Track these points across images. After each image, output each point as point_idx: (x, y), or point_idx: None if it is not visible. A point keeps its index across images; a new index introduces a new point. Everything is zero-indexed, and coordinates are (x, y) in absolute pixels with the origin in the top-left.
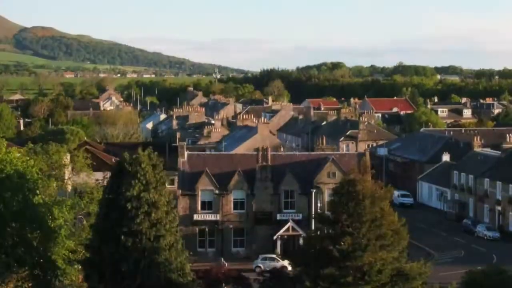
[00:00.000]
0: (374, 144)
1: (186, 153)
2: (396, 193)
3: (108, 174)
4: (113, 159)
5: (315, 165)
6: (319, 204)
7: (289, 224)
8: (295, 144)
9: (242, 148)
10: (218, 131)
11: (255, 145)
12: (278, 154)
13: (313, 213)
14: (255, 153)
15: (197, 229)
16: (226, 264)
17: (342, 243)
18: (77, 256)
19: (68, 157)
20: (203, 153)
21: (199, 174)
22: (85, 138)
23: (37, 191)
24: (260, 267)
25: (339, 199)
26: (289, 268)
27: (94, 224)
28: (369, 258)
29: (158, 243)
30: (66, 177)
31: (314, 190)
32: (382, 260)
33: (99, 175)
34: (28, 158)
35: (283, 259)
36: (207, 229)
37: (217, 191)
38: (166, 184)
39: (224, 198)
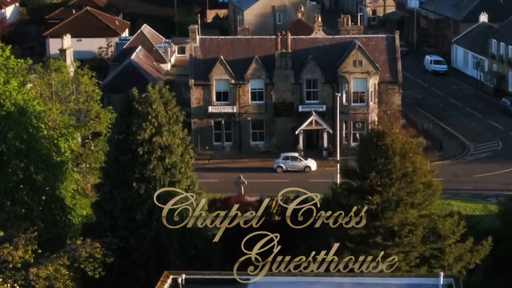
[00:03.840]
0: None
1: (198, 37)
2: (428, 58)
3: (112, 40)
4: (116, 21)
5: (340, 50)
6: (344, 95)
7: (312, 117)
8: None
9: (259, 5)
10: None
11: (272, 2)
12: (299, 38)
13: (338, 106)
14: (274, 37)
15: (212, 121)
16: (246, 182)
17: (371, 203)
18: (87, 182)
19: (72, 71)
20: (217, 37)
21: (213, 61)
22: None
23: (41, 126)
24: (281, 167)
25: (367, 154)
26: (313, 167)
27: (103, 167)
28: (399, 218)
29: None
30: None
31: (339, 94)
32: (414, 219)
33: (102, 42)
34: (28, 88)
35: (305, 158)
36: (223, 122)
37: (233, 81)
38: (181, 119)
39: (241, 88)
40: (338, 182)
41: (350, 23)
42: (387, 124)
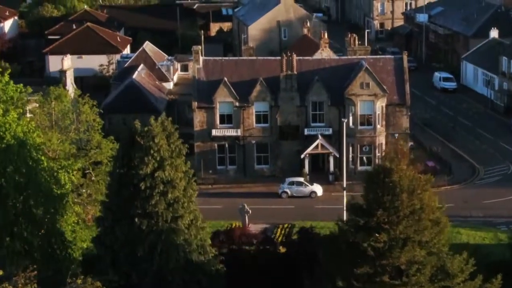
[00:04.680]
0: (413, 3)
1: (201, 58)
2: (437, 75)
3: (114, 57)
4: (117, 37)
5: (347, 71)
6: (351, 118)
7: (318, 141)
8: None
9: (264, 20)
10: None
11: (278, 17)
12: (304, 59)
13: (344, 131)
14: (279, 58)
15: (216, 145)
16: (250, 211)
17: (378, 241)
18: (87, 212)
19: (72, 92)
20: (221, 58)
21: (217, 83)
22: (85, 6)
23: (41, 158)
24: (286, 192)
25: (374, 191)
26: (319, 193)
27: (104, 201)
28: (407, 257)
29: (176, 224)
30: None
31: (346, 120)
32: (421, 258)
33: (103, 59)
34: (27, 119)
35: (311, 183)
36: (227, 145)
37: (237, 103)
38: (183, 152)
39: (245, 111)
40: (345, 217)
41: (357, 43)
42: (394, 159)
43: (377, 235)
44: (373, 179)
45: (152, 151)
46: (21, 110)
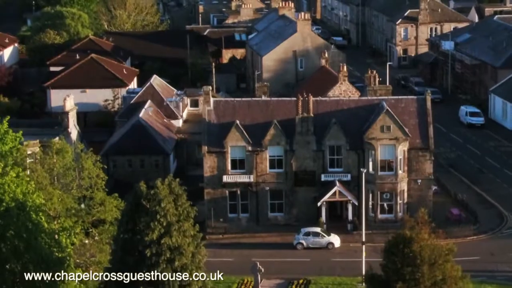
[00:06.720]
0: (438, 28)
1: (212, 100)
2: (464, 110)
3: (119, 92)
4: (123, 70)
5: (366, 113)
6: (370, 163)
7: (336, 188)
8: (342, 14)
9: (279, 50)
10: (249, 6)
11: (294, 46)
12: (321, 100)
13: (364, 176)
14: (294, 99)
15: (227, 191)
16: (262, 270)
17: None
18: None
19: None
20: (232, 99)
21: (228, 126)
22: (90, 33)
23: (41, 220)
24: (302, 244)
25: (393, 262)
26: (337, 244)
27: (108, 267)
28: None
29: None
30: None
31: (365, 170)
32: None
33: (108, 93)
34: (27, 178)
35: (328, 234)
36: (239, 192)
37: (250, 148)
38: (192, 215)
39: (259, 156)
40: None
41: (377, 80)
42: (414, 228)
43: None
44: (392, 249)
45: (158, 216)
46: (20, 169)
